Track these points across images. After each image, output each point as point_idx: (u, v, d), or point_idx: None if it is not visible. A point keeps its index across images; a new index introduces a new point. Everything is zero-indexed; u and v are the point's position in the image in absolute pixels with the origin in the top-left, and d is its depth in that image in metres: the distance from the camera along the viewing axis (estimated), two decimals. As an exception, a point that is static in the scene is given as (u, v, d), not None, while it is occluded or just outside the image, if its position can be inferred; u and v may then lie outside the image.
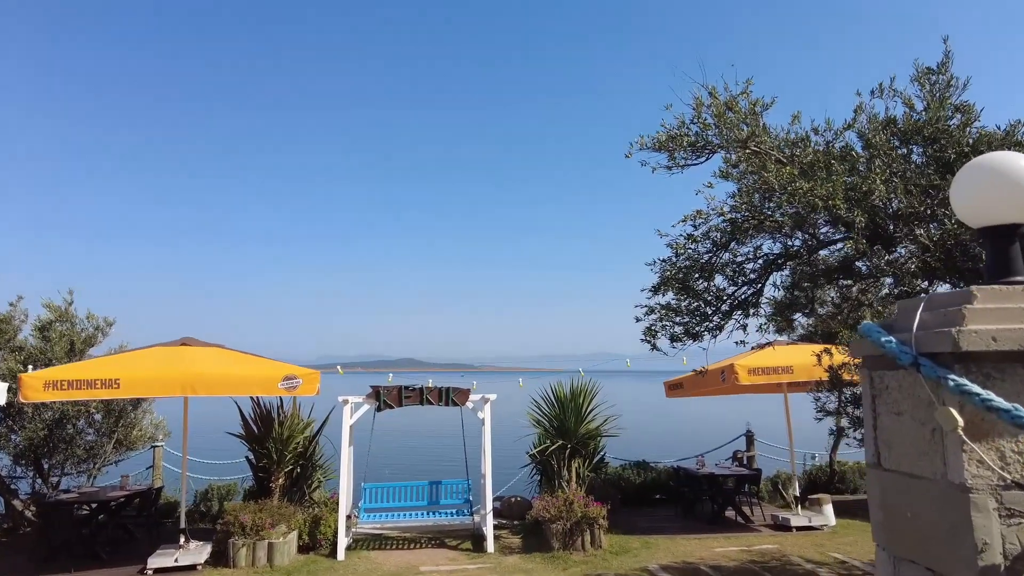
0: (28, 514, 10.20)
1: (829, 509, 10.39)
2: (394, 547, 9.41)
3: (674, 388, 11.46)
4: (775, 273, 5.34)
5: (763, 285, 5.38)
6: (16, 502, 10.35)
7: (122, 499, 9.18)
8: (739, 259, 5.31)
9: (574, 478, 9.94)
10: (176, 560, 8.11)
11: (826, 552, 8.73)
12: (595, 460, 11.29)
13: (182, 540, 8.49)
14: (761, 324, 5.55)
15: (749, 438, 13.77)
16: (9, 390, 7.83)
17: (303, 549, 9.02)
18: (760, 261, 5.31)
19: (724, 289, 5.40)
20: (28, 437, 10.17)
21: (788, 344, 10.94)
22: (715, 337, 5.60)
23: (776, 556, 8.60)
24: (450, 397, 9.68)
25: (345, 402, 9.39)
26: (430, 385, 9.70)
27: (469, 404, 9.82)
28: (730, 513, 11.04)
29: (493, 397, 9.82)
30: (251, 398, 9.62)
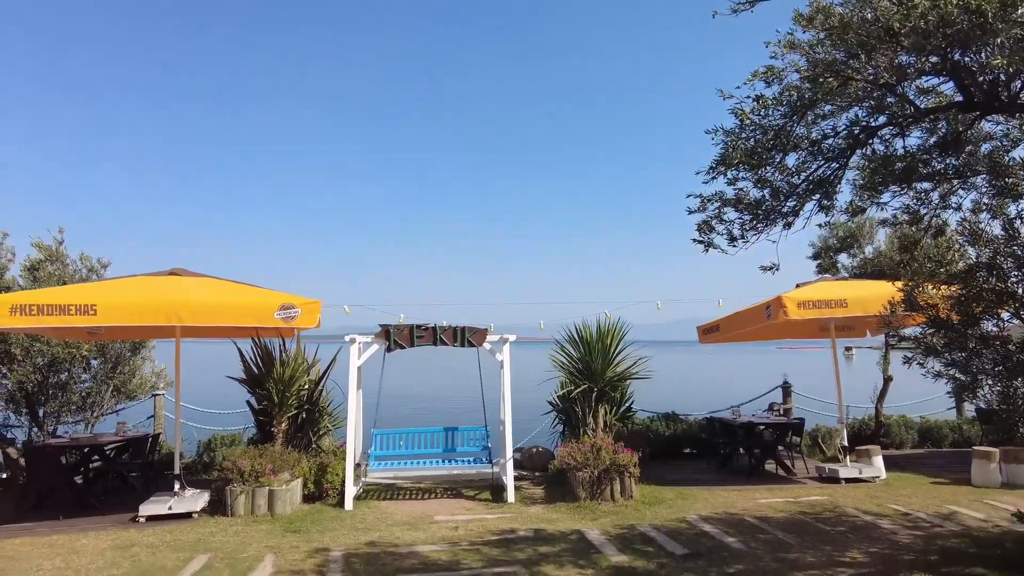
0: (23, 463, 9.65)
1: (879, 461, 9.51)
2: (406, 497, 8.71)
3: (709, 332, 10.53)
4: (860, 150, 4.36)
5: (847, 160, 4.40)
6: (11, 450, 9.80)
7: (114, 445, 8.55)
8: (817, 132, 4.33)
9: (601, 425, 9.12)
10: (170, 508, 7.46)
11: (884, 504, 7.85)
12: (622, 408, 10.46)
13: (177, 487, 7.84)
14: (851, 201, 4.57)
15: (786, 390, 12.86)
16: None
17: (309, 499, 8.35)
18: (841, 136, 4.33)
19: (801, 165, 4.43)
20: (18, 380, 9.56)
21: (836, 280, 9.98)
22: (788, 227, 4.66)
23: (828, 508, 7.76)
24: (466, 337, 8.86)
25: (352, 341, 8.61)
26: (444, 324, 8.88)
27: (486, 345, 9.00)
28: (770, 466, 10.20)
29: (512, 338, 8.99)
30: (252, 340, 8.85)
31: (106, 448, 8.52)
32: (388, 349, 8.76)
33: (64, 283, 10.05)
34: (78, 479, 8.43)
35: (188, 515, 7.50)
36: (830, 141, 4.37)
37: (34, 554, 6.24)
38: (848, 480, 9.13)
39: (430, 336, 8.83)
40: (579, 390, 9.06)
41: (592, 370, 9.01)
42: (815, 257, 12.81)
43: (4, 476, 9.72)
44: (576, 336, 9.22)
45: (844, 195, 4.59)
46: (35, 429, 10.16)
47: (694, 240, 4.77)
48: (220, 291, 7.15)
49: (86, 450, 8.17)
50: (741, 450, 10.48)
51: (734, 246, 4.72)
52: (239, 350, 8.76)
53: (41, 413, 10.20)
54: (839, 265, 12.63)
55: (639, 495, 8.31)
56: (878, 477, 9.27)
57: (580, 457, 8.23)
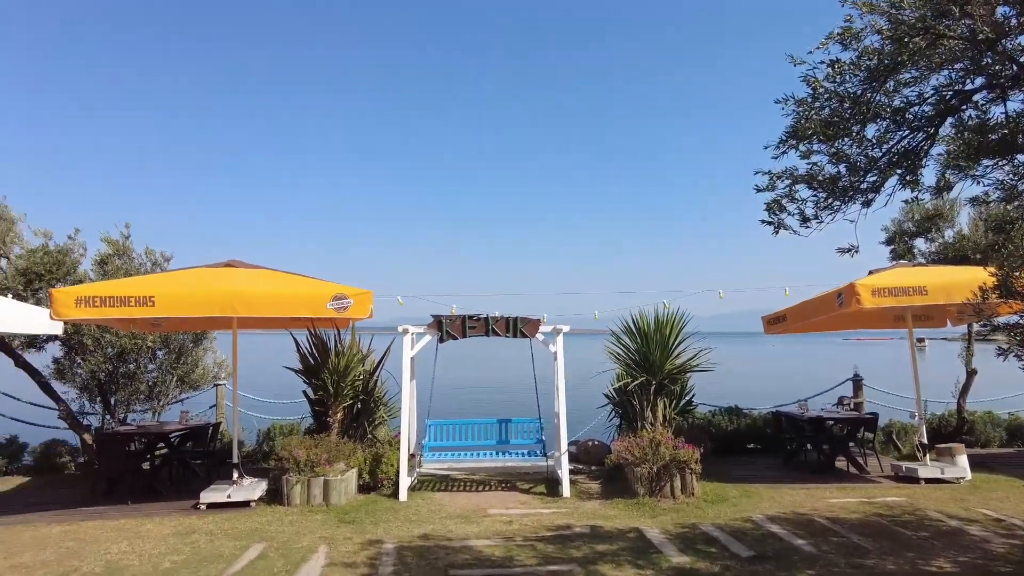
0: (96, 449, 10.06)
1: (963, 460, 8.83)
2: (460, 489, 8.62)
3: (775, 322, 10.01)
4: (951, 117, 3.89)
5: (936, 130, 3.94)
6: (87, 436, 10.22)
7: (178, 433, 8.78)
8: (900, 100, 3.90)
9: (660, 419, 8.79)
10: (229, 496, 7.59)
11: (972, 508, 7.27)
12: (682, 402, 10.08)
13: (235, 476, 7.97)
14: (941, 176, 4.11)
15: (856, 383, 12.15)
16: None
17: (364, 489, 8.37)
18: (929, 103, 3.88)
19: (882, 136, 4.01)
20: (90, 370, 9.95)
21: (914, 266, 9.31)
22: (868, 205, 4.24)
23: (907, 510, 7.23)
24: (518, 328, 8.68)
25: (405, 331, 8.56)
26: (496, 315, 8.72)
27: (539, 336, 8.80)
28: (840, 464, 9.65)
29: (566, 328, 8.76)
30: (308, 331, 8.90)
31: (170, 436, 8.76)
32: (440, 340, 8.68)
33: (130, 275, 10.40)
34: (145, 465, 8.73)
35: (246, 503, 7.62)
36: (916, 109, 3.92)
37: (103, 537, 6.43)
38: (928, 480, 8.52)
39: (482, 327, 8.70)
40: (636, 383, 8.75)
41: (650, 362, 8.67)
42: (889, 242, 12.02)
43: (81, 461, 10.17)
44: (633, 327, 8.90)
45: (928, 173, 4.13)
46: (107, 416, 10.56)
47: (763, 221, 4.39)
48: (274, 282, 7.19)
49: (152, 437, 8.40)
50: (809, 446, 9.97)
51: (807, 227, 4.32)
52: (295, 340, 8.85)
53: (112, 401, 10.60)
54: (915, 251, 11.81)
55: (701, 492, 7.97)
56: (963, 478, 8.61)
57: (638, 452, 7.95)
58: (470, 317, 8.69)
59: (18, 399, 10.62)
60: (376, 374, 9.39)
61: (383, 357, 9.43)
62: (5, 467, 10.07)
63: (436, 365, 8.97)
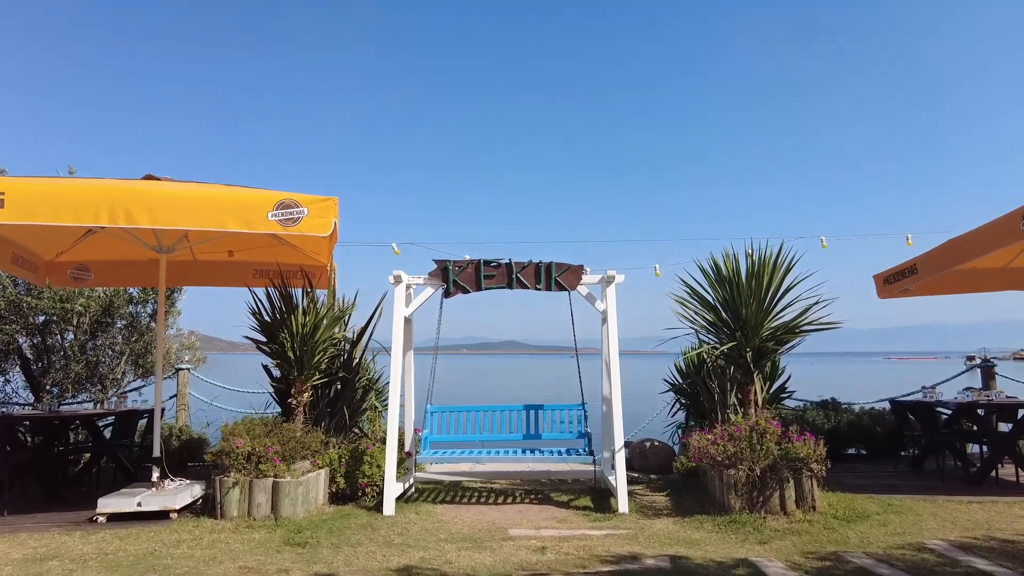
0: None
1: None
2: (471, 500, 6.19)
3: (897, 278, 7.38)
4: None
5: None
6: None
7: (78, 419, 6.51)
8: None
9: (758, 400, 6.23)
10: (139, 504, 5.29)
11: None
12: (774, 386, 7.52)
13: (155, 476, 5.66)
14: None
15: (987, 372, 9.39)
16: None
17: (338, 498, 6.00)
18: None
19: None
20: (4, 340, 7.82)
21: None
22: None
23: None
24: (552, 276, 6.28)
25: (398, 281, 6.20)
26: (523, 261, 6.34)
27: (582, 288, 6.38)
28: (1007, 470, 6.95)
29: (620, 278, 6.32)
30: (267, 288, 6.56)
31: (80, 424, 6.53)
32: (446, 293, 6.31)
33: None
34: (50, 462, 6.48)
35: (164, 514, 5.31)
36: None
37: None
38: None
39: (503, 275, 6.31)
40: (726, 348, 6.13)
41: (741, 321, 6.08)
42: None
43: None
44: (712, 272, 6.32)
45: None
46: (36, 404, 8.43)
47: None
48: (194, 188, 4.93)
49: (48, 425, 6.14)
50: (958, 445, 7.31)
51: None
52: (254, 295, 6.51)
53: (47, 385, 8.46)
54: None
55: (824, 506, 5.40)
56: None
57: (730, 447, 5.43)
58: (487, 263, 6.32)
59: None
60: (363, 343, 7.05)
61: (372, 318, 7.08)
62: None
63: (439, 327, 6.59)
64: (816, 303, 6.04)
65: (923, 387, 8.19)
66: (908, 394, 8.39)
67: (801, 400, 9.23)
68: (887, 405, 8.61)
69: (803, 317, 6.08)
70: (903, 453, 8.24)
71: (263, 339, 6.42)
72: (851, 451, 8.82)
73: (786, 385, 7.80)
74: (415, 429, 6.72)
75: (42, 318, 8.20)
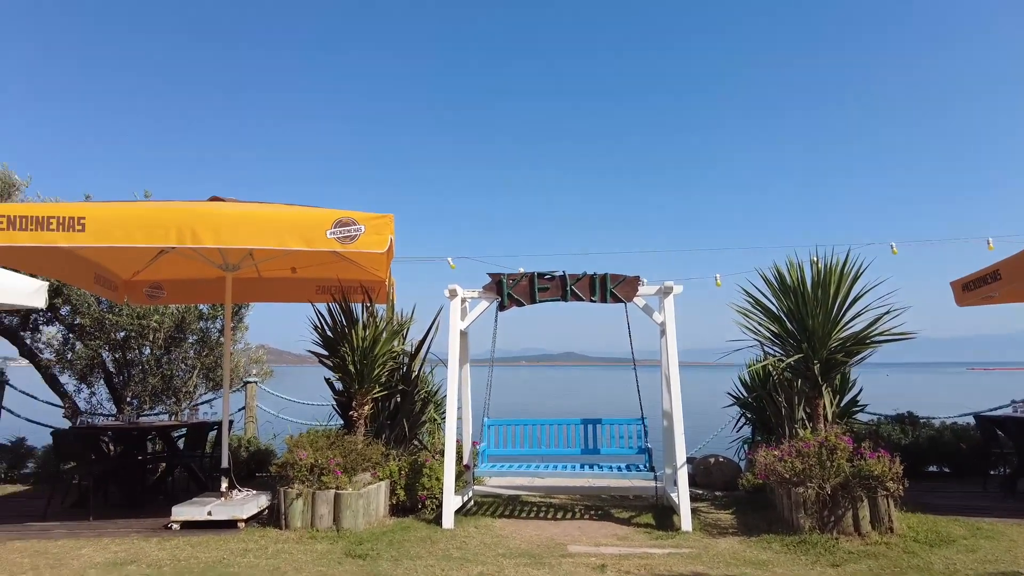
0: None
1: None
2: (531, 515, 6.13)
3: (977, 285, 6.94)
4: None
5: None
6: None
7: (154, 430, 6.81)
8: None
9: (827, 415, 5.95)
10: (209, 513, 5.49)
11: None
12: (844, 399, 7.17)
13: (224, 486, 5.87)
14: None
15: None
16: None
17: (398, 510, 6.07)
18: None
19: None
20: (89, 355, 8.30)
21: None
22: None
23: None
24: (608, 289, 6.20)
25: (453, 295, 6.27)
26: (577, 274, 6.28)
27: (639, 300, 6.27)
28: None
29: (678, 289, 6.18)
30: (329, 304, 6.74)
31: (156, 435, 6.85)
32: (501, 306, 6.32)
33: None
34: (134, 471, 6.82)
35: (232, 524, 5.49)
36: None
37: (3, 564, 4.46)
38: None
39: (557, 288, 6.28)
40: (792, 360, 5.89)
41: (808, 332, 5.83)
42: None
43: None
44: (777, 282, 6.10)
45: None
46: (119, 415, 8.90)
47: None
48: (254, 206, 5.12)
49: (126, 435, 6.47)
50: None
51: None
52: (316, 311, 6.72)
53: (128, 398, 8.93)
54: None
55: (903, 528, 5.09)
56: None
57: (799, 464, 5.19)
58: (541, 276, 6.30)
59: (36, 397, 9.15)
60: (421, 356, 7.14)
61: (429, 332, 7.16)
62: (4, 474, 8.54)
63: (495, 340, 6.61)
64: (887, 312, 5.73)
65: (1013, 401, 7.65)
66: (995, 408, 7.85)
67: (875, 414, 8.76)
68: (971, 420, 8.08)
69: (873, 327, 5.77)
70: (992, 472, 7.71)
71: (325, 353, 6.60)
72: (932, 469, 8.31)
73: (858, 398, 7.42)
74: (473, 442, 6.75)
75: (122, 334, 8.67)
